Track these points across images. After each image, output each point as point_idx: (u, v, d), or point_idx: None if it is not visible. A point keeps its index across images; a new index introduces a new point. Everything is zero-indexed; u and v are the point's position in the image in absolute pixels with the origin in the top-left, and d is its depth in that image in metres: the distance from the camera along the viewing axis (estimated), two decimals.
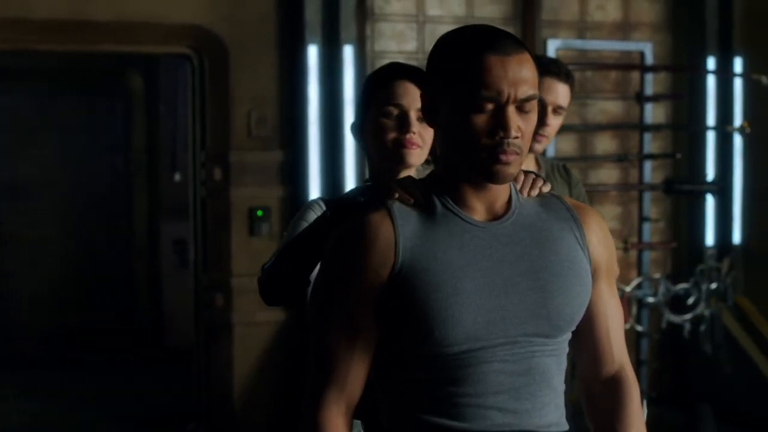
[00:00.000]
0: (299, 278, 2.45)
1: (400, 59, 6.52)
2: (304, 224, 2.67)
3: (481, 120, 2.00)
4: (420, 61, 6.59)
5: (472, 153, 2.02)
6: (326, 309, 2.07)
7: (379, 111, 2.69)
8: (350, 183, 6.25)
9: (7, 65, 9.19)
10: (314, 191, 6.30)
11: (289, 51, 6.44)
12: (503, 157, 2.00)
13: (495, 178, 2.03)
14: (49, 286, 9.66)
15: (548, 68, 3.59)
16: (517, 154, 2.01)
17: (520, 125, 2.01)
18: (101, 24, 6.25)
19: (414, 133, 2.66)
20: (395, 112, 2.67)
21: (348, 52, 6.34)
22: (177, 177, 9.50)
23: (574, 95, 6.85)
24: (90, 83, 10.04)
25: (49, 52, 7.05)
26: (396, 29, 6.62)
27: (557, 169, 3.76)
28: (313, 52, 6.33)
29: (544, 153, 6.80)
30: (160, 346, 9.57)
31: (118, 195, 9.97)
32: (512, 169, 2.02)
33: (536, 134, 3.50)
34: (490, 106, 1.99)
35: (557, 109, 3.61)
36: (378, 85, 2.72)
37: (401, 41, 6.62)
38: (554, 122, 3.61)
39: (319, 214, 2.69)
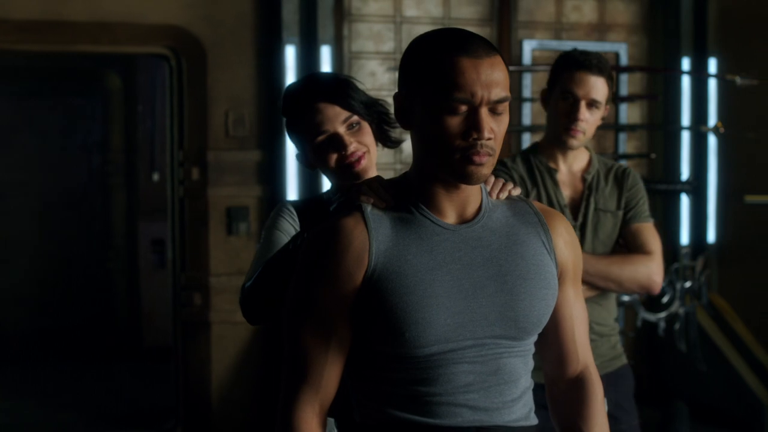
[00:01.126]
0: (280, 297, 2.45)
1: (377, 60, 6.56)
2: (277, 233, 2.68)
3: (454, 122, 2.03)
4: (397, 62, 6.62)
5: (445, 154, 2.05)
6: (301, 311, 2.10)
7: (312, 144, 2.69)
8: (327, 182, 6.26)
9: None
10: (292, 191, 6.32)
11: (266, 51, 6.46)
12: (476, 158, 2.03)
13: (469, 179, 2.06)
14: (27, 286, 9.64)
15: (580, 62, 3.53)
16: (490, 155, 2.05)
17: (493, 127, 2.04)
18: (79, 24, 6.26)
19: (352, 145, 2.66)
20: (324, 138, 2.67)
21: (325, 53, 6.36)
22: (155, 177, 9.50)
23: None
24: (68, 83, 10.03)
25: (27, 52, 7.05)
26: (373, 30, 6.65)
27: (614, 171, 3.67)
28: (290, 53, 6.35)
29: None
30: (138, 345, 9.57)
31: (96, 195, 9.96)
32: (485, 170, 2.06)
33: (569, 129, 3.50)
34: (463, 108, 2.02)
35: (592, 103, 3.50)
36: (297, 122, 2.72)
37: (378, 42, 6.65)
38: (589, 117, 3.51)
39: (290, 220, 2.71)
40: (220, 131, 6.43)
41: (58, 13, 6.21)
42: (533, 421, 2.17)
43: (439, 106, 2.03)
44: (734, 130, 6.84)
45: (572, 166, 3.62)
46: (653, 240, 3.63)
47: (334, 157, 2.67)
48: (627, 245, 3.63)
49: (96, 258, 9.80)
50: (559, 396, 2.30)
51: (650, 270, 3.57)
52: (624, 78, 6.93)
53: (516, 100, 6.80)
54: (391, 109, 2.79)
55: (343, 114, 2.67)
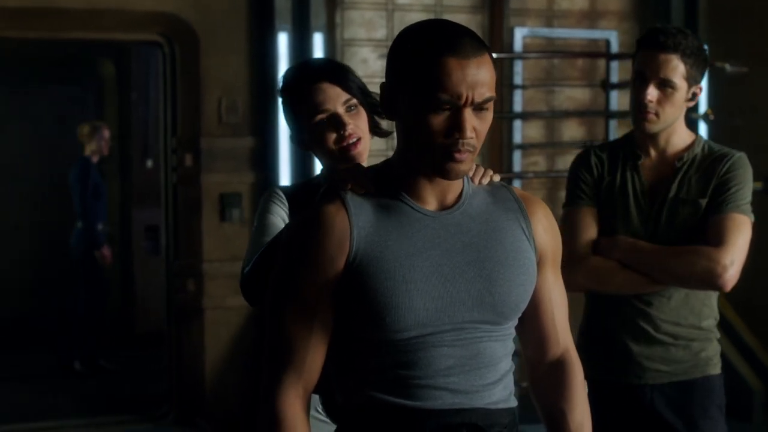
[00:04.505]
0: None
1: (370, 47, 6.58)
2: (270, 217, 2.72)
3: (438, 120, 2.04)
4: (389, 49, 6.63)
5: (427, 151, 2.08)
6: (284, 296, 2.13)
7: (311, 123, 2.71)
8: (318, 168, 6.27)
9: None
10: (284, 177, 6.34)
11: (259, 38, 6.47)
12: (457, 156, 2.05)
13: (448, 175, 2.09)
14: (20, 272, 9.67)
15: (649, 39, 3.28)
16: (471, 152, 2.07)
17: (476, 125, 2.06)
18: (72, 11, 6.27)
19: (350, 126, 2.68)
20: (325, 117, 2.69)
21: (318, 40, 6.38)
22: (149, 163, 9.52)
23: (541, 82, 6.96)
24: (61, 71, 10.04)
25: (20, 39, 7.05)
26: (365, 17, 6.67)
27: (714, 157, 3.32)
28: (283, 40, 6.37)
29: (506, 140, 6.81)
30: (131, 331, 9.60)
31: None
32: (465, 167, 2.08)
33: (639, 112, 3.27)
34: (447, 108, 2.04)
35: (664, 83, 3.25)
36: (297, 100, 2.74)
37: (370, 29, 6.67)
38: (662, 97, 3.26)
39: (280, 204, 2.75)
40: (213, 118, 6.45)
41: (51, 1, 6.23)
42: (513, 403, 2.21)
43: (423, 104, 2.05)
44: (724, 116, 6.88)
45: (666, 150, 3.37)
46: (731, 232, 3.24)
47: (332, 137, 2.69)
48: (704, 236, 3.26)
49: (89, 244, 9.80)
50: (539, 379, 2.33)
51: (713, 264, 3.20)
52: (614, 65, 6.96)
53: (507, 87, 6.82)
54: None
55: (344, 95, 2.70)
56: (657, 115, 3.28)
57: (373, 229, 2.10)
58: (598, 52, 7.09)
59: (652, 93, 3.25)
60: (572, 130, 7.09)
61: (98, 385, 8.06)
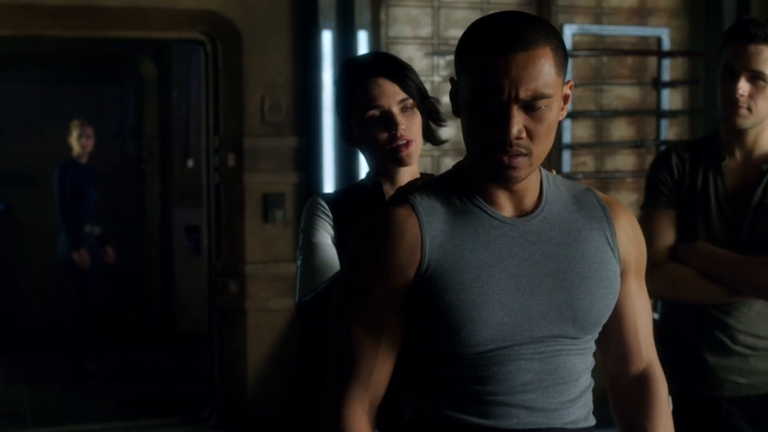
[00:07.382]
0: None
1: (415, 45, 6.49)
2: (317, 234, 2.63)
3: (483, 118, 1.93)
4: (435, 47, 6.55)
5: (475, 152, 1.97)
6: (350, 306, 2.01)
7: (363, 117, 2.62)
8: (363, 168, 6.20)
9: (19, 51, 9.17)
10: (328, 177, 6.28)
11: (302, 36, 6.41)
12: (505, 159, 1.92)
13: (499, 179, 1.97)
14: (60, 272, 9.62)
15: (738, 30, 3.13)
16: (524, 155, 1.93)
17: (528, 125, 1.92)
18: (113, 9, 6.23)
19: (402, 127, 2.60)
20: (378, 113, 2.61)
21: (362, 38, 6.30)
22: (190, 163, 9.48)
23: (590, 80, 6.84)
24: (102, 70, 10.03)
25: (61, 38, 7.01)
26: (410, 14, 6.58)
27: None
28: (327, 38, 6.30)
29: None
30: (172, 332, 9.57)
31: (131, 181, 9.95)
32: (519, 172, 1.94)
33: (730, 106, 3.12)
34: (492, 105, 1.91)
35: (756, 75, 3.09)
36: (352, 92, 2.65)
37: (415, 26, 6.58)
38: (754, 91, 3.09)
39: (325, 216, 2.65)
40: (256, 117, 6.39)
41: None
42: (592, 421, 2.09)
43: (471, 101, 1.93)
44: None
45: (752, 152, 3.20)
46: None
47: (383, 135, 2.61)
48: None
49: (131, 245, 9.79)
50: (621, 394, 2.21)
51: None
52: (665, 63, 6.83)
53: None
54: (441, 108, 2.76)
55: (400, 94, 2.62)
56: (749, 109, 3.12)
57: (447, 237, 1.97)
58: (648, 49, 6.96)
59: (743, 87, 3.10)
60: (621, 130, 6.96)
61: (139, 387, 8.02)
